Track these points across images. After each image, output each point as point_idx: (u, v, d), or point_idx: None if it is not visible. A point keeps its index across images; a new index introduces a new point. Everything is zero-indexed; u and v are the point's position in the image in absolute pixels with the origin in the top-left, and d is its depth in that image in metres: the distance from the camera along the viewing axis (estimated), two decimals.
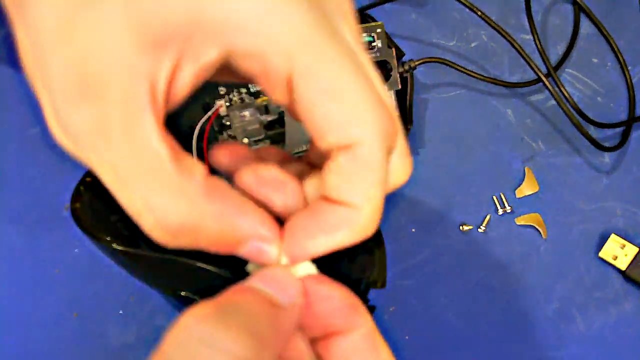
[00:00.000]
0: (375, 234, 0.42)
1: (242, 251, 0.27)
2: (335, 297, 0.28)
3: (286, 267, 0.27)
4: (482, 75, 0.46)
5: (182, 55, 0.22)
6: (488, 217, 0.45)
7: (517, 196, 0.45)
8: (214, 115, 0.42)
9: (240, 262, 0.43)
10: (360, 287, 0.41)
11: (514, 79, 0.47)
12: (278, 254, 0.27)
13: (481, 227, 0.44)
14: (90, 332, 0.41)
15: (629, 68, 0.47)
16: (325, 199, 0.26)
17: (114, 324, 0.41)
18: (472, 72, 0.45)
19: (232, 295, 0.25)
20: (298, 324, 0.26)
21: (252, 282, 0.26)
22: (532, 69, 0.43)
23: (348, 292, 0.28)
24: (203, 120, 0.41)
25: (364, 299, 0.42)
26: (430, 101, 0.46)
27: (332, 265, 0.42)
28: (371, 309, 0.41)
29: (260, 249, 0.26)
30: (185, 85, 0.23)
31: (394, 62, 0.42)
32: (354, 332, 0.27)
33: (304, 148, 0.44)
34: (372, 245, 0.42)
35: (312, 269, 0.29)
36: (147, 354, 0.41)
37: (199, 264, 0.38)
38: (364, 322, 0.28)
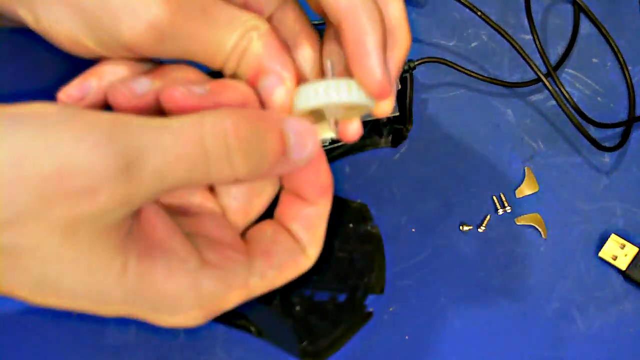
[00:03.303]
0: (375, 240, 0.43)
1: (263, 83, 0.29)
2: (322, 174, 0.30)
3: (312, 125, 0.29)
4: (482, 75, 0.46)
5: None
6: (488, 217, 0.45)
7: (517, 196, 0.45)
8: None
9: None
10: (358, 292, 0.41)
11: (514, 79, 0.47)
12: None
13: (481, 227, 0.44)
14: (90, 332, 0.41)
15: (629, 68, 0.47)
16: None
17: (114, 324, 0.42)
18: (472, 72, 0.45)
19: (259, 121, 0.26)
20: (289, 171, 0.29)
21: (286, 122, 0.27)
22: (532, 69, 0.43)
23: (330, 175, 0.31)
24: None
25: (362, 304, 0.42)
26: (430, 101, 0.46)
27: (331, 270, 0.42)
28: (367, 315, 0.42)
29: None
30: None
31: None
32: (313, 206, 0.31)
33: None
34: (371, 251, 0.42)
35: (332, 134, 0.30)
36: (147, 354, 0.41)
37: None
38: (325, 204, 0.31)
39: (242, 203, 0.31)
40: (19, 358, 0.41)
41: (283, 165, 0.27)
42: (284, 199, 0.32)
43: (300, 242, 0.31)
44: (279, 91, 0.29)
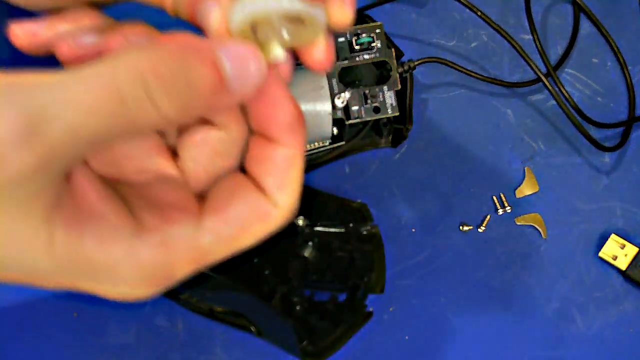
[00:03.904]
0: (375, 240, 0.42)
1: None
2: (284, 107, 0.27)
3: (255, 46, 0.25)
4: (482, 75, 0.46)
5: None
6: (488, 217, 0.45)
7: (517, 196, 0.45)
8: None
9: (230, 265, 0.43)
10: (358, 292, 0.42)
11: (514, 79, 0.47)
12: None
13: (481, 227, 0.44)
14: (90, 332, 0.41)
15: (629, 68, 0.47)
16: None
17: (114, 324, 0.42)
18: (472, 72, 0.45)
19: (181, 53, 0.24)
20: (238, 104, 0.26)
21: (220, 49, 0.24)
22: (532, 69, 0.43)
23: (296, 109, 0.27)
24: None
25: (362, 304, 0.42)
26: (430, 101, 0.46)
27: (331, 270, 0.42)
28: (367, 315, 0.42)
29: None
30: None
31: (394, 62, 0.42)
32: (281, 147, 0.27)
33: (305, 148, 0.44)
34: (371, 251, 0.43)
35: (279, 52, 0.26)
36: (147, 354, 0.41)
37: None
38: (295, 143, 0.27)
39: (203, 165, 0.28)
40: (19, 358, 0.41)
41: (225, 97, 0.24)
42: (251, 144, 0.28)
43: (267, 190, 0.27)
44: (214, 13, 0.27)
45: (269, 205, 0.27)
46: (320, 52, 0.28)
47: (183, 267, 0.26)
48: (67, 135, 0.22)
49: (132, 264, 0.25)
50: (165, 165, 0.28)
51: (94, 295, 0.26)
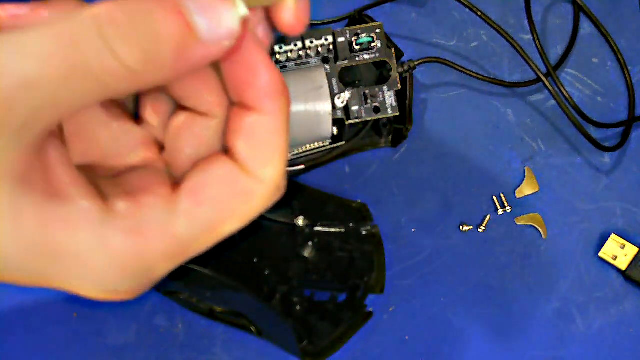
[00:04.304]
0: (375, 240, 0.42)
1: None
2: (262, 71, 0.24)
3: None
4: (482, 75, 0.46)
5: None
6: (488, 217, 0.45)
7: (517, 196, 0.45)
8: None
9: (230, 265, 0.43)
10: (358, 292, 0.42)
11: (514, 79, 0.47)
12: None
13: (481, 227, 0.44)
14: (90, 332, 0.41)
15: (629, 68, 0.47)
16: None
17: (114, 324, 0.42)
18: (472, 72, 0.45)
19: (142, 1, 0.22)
20: (212, 61, 0.24)
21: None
22: (532, 69, 0.43)
23: (276, 73, 0.25)
24: None
25: (362, 304, 0.42)
26: (430, 101, 0.46)
27: (331, 270, 0.42)
28: (367, 315, 0.42)
29: None
30: None
31: (394, 62, 0.42)
32: (264, 116, 0.24)
33: (305, 148, 0.44)
34: (371, 251, 0.43)
35: (244, 11, 0.24)
36: (147, 354, 0.41)
37: (191, 266, 0.39)
38: (276, 111, 0.24)
39: (187, 154, 0.26)
40: (19, 358, 0.41)
41: (197, 49, 0.22)
42: (230, 114, 0.26)
43: (247, 166, 0.24)
44: None
45: (250, 182, 0.24)
46: (288, 13, 0.25)
47: (160, 257, 0.24)
48: (21, 93, 0.21)
49: (101, 252, 0.23)
50: (148, 156, 0.27)
51: (67, 292, 0.24)
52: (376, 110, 0.42)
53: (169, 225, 0.23)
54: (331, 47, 0.42)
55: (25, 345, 0.41)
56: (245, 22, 0.24)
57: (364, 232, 0.42)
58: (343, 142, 0.44)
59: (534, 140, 0.46)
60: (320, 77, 0.41)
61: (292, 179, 0.43)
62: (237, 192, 0.24)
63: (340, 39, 0.42)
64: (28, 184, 0.22)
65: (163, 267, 0.24)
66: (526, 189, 0.45)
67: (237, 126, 0.25)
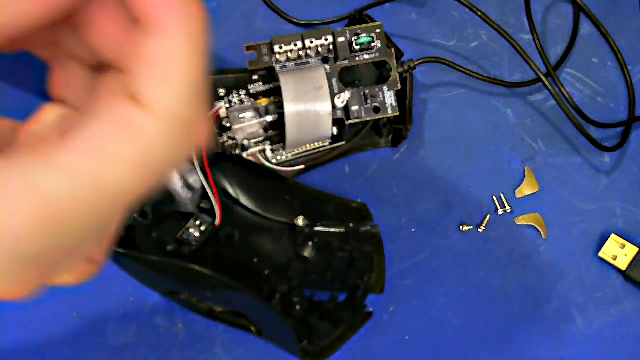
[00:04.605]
0: (375, 240, 0.42)
1: None
2: None
3: None
4: (482, 75, 0.46)
5: None
6: (488, 217, 0.45)
7: (517, 196, 0.45)
8: (214, 117, 0.42)
9: (230, 265, 0.43)
10: (358, 292, 0.42)
11: (514, 79, 0.47)
12: None
13: (481, 227, 0.44)
14: (90, 332, 0.41)
15: (629, 68, 0.47)
16: None
17: (114, 324, 0.42)
18: (472, 72, 0.45)
19: None
20: None
21: None
22: (532, 69, 0.43)
23: None
24: None
25: (362, 304, 0.42)
26: (430, 101, 0.46)
27: (331, 270, 0.42)
28: (367, 315, 0.42)
29: None
30: None
31: (394, 62, 0.42)
32: (159, 32, 0.19)
33: (305, 148, 0.44)
34: (371, 251, 0.43)
35: None
36: (147, 354, 0.41)
37: (192, 266, 0.39)
38: (176, 26, 0.19)
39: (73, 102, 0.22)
40: (19, 358, 0.41)
41: None
42: (123, 35, 0.21)
43: (136, 93, 0.18)
44: None
45: (137, 114, 0.18)
46: None
47: (29, 224, 0.18)
48: None
49: None
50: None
51: None
52: (376, 110, 0.42)
53: (35, 181, 0.18)
54: (331, 47, 0.42)
55: (25, 345, 0.41)
56: None
57: (364, 232, 0.42)
58: (343, 142, 0.44)
59: (534, 140, 0.46)
60: (320, 77, 0.41)
61: (292, 179, 0.43)
62: (120, 126, 0.18)
63: (340, 39, 0.42)
64: None
65: (36, 239, 0.18)
66: (526, 189, 0.45)
67: (129, 47, 0.20)
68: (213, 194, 0.40)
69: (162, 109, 0.18)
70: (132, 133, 0.18)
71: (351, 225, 0.42)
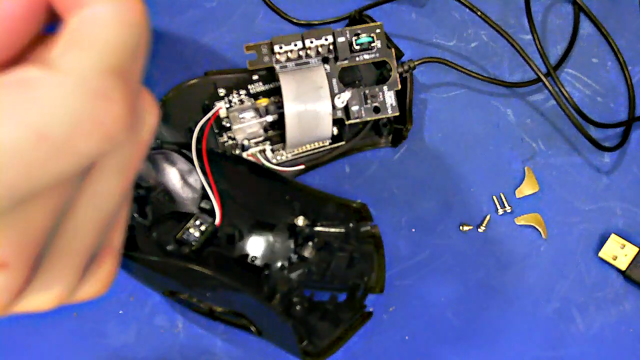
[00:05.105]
0: (375, 240, 0.42)
1: None
2: None
3: None
4: (482, 75, 0.46)
5: None
6: (488, 217, 0.45)
7: (517, 196, 0.45)
8: (214, 117, 0.42)
9: (230, 265, 0.43)
10: (358, 292, 0.42)
11: (514, 79, 0.47)
12: None
13: (481, 227, 0.44)
14: (90, 332, 0.41)
15: (629, 68, 0.47)
16: None
17: (114, 324, 0.42)
18: (472, 72, 0.45)
19: None
20: None
21: None
22: (532, 69, 0.43)
23: None
24: (202, 122, 0.41)
25: (362, 304, 0.42)
26: (430, 101, 0.46)
27: (331, 270, 0.42)
28: (367, 315, 0.42)
29: None
30: None
31: (394, 62, 0.42)
32: (93, 5, 0.17)
33: (305, 148, 0.44)
34: (371, 251, 0.43)
35: None
36: (147, 354, 0.41)
37: (192, 266, 0.39)
38: (113, 2, 0.17)
39: None
40: (19, 358, 0.41)
41: None
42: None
43: (48, 58, 0.17)
44: None
45: (36, 70, 0.16)
46: None
47: None
48: None
49: None
50: None
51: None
52: (376, 110, 0.42)
53: None
54: (331, 47, 0.42)
55: (25, 345, 0.41)
56: None
57: (364, 232, 0.42)
58: (343, 142, 0.44)
59: (534, 140, 0.46)
60: (320, 77, 0.41)
61: (292, 179, 0.43)
62: (12, 84, 0.16)
63: (340, 39, 0.42)
64: None
65: None
66: (526, 189, 0.45)
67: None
68: (213, 194, 0.40)
69: (68, 69, 0.16)
70: (26, 88, 0.16)
71: (351, 225, 0.42)
